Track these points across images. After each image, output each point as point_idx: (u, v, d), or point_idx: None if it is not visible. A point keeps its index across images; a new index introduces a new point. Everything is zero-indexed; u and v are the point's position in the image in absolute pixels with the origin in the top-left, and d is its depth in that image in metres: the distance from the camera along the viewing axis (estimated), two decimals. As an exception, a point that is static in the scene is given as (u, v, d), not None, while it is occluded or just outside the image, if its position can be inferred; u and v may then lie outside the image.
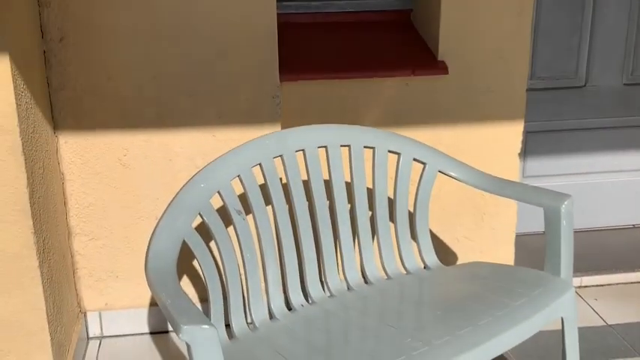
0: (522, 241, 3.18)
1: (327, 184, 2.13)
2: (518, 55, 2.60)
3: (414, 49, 2.65)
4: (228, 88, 2.37)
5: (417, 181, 2.26)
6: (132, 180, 2.40)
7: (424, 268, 2.28)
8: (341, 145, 2.14)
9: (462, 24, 2.54)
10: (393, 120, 2.60)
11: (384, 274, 2.22)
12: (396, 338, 1.79)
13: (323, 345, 1.84)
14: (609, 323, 2.68)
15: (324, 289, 2.12)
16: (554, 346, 2.42)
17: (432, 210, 2.65)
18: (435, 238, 2.75)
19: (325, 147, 2.12)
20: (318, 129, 2.12)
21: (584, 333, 2.61)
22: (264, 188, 2.02)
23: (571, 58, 3.08)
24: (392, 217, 2.25)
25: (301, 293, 2.08)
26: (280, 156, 2.04)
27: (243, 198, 1.98)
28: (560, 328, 2.04)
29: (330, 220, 2.13)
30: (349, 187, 2.19)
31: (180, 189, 1.82)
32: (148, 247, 1.70)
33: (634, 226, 3.33)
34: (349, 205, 2.17)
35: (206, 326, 1.41)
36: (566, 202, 2.04)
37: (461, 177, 2.25)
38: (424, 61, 2.57)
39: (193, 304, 1.50)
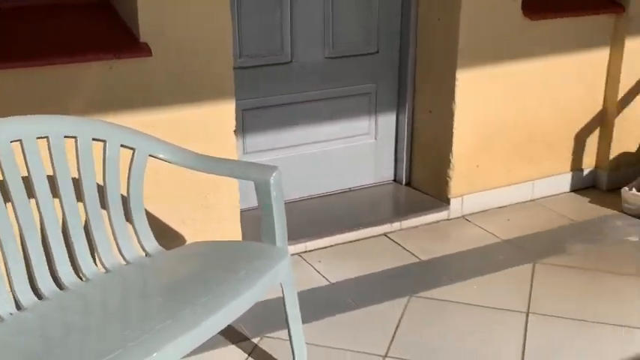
0: (252, 215, 3.26)
1: (27, 179, 1.98)
2: (222, 34, 2.63)
3: (116, 32, 2.56)
4: None
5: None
6: None
7: (145, 255, 2.23)
8: (38, 138, 2.00)
9: (161, 3, 2.49)
10: (100, 107, 2.48)
11: (102, 267, 2.13)
12: (117, 333, 1.73)
13: (39, 352, 1.71)
14: (332, 282, 2.87)
15: (35, 293, 1.97)
16: (280, 311, 2.52)
17: (154, 195, 2.60)
18: (159, 223, 2.71)
19: (20, 140, 1.96)
20: (8, 122, 1.95)
21: (310, 294, 2.76)
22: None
23: (275, 35, 3.20)
24: (105, 207, 2.16)
25: (11, 300, 1.92)
26: (-35, 155, 1.85)
27: None
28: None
29: (33, 217, 1.98)
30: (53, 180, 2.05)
31: None
32: None
33: (350, 189, 3.59)
34: (56, 200, 2.04)
35: None
36: (274, 174, 2.12)
37: (172, 159, 2.23)
38: (126, 43, 2.48)
39: None
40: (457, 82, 3.21)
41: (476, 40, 3.19)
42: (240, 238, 2.91)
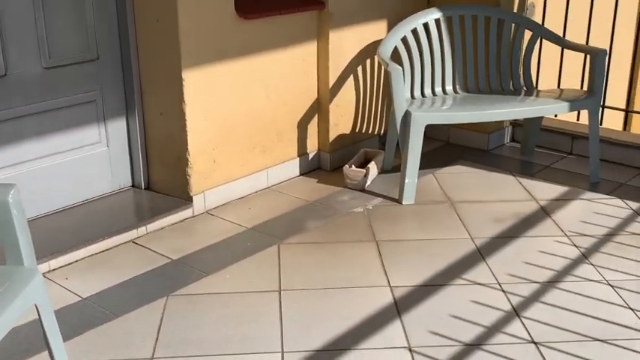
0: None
1: None
2: None
3: None
4: None
5: None
6: None
7: None
8: None
9: None
10: None
11: None
12: None
13: None
14: (84, 297, 2.78)
15: None
16: (36, 335, 2.40)
17: None
18: None
19: None
20: None
21: (63, 312, 2.65)
22: None
23: (-16, 47, 2.99)
24: None
25: None
26: None
27: None
28: (36, 317, 2.04)
29: None
30: None
31: None
32: None
33: (88, 201, 3.48)
34: None
35: None
36: (12, 192, 2.00)
37: None
38: None
39: None
40: (184, 83, 3.29)
41: (197, 40, 3.29)
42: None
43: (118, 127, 3.52)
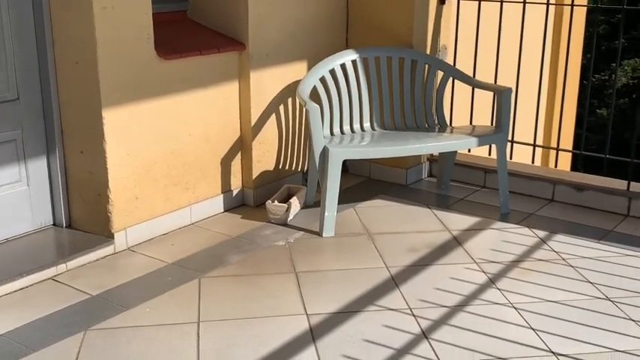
0: None
1: None
2: None
3: None
4: None
5: None
6: None
7: None
8: None
9: None
10: None
11: None
12: None
13: None
14: (1, 333, 2.77)
15: None
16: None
17: None
18: None
19: None
20: None
21: None
22: None
23: None
24: None
25: None
26: None
27: None
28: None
29: None
30: None
31: None
32: None
33: (7, 240, 3.47)
34: None
35: None
36: None
37: None
38: None
39: None
40: (105, 121, 3.34)
41: (117, 80, 3.36)
42: None
43: (38, 165, 3.54)
